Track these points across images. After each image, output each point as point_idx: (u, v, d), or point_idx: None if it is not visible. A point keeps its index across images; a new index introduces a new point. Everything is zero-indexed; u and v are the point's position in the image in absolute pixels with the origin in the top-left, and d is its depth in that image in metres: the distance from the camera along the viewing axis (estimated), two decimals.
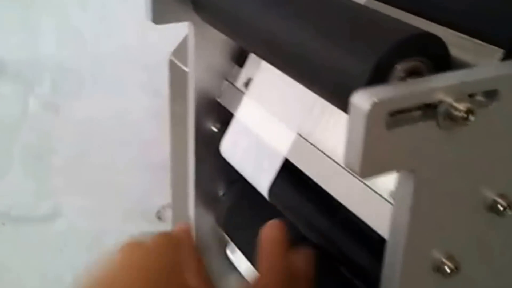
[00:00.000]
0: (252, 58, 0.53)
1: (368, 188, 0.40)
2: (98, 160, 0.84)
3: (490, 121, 0.32)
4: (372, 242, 0.39)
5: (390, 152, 0.30)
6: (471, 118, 0.30)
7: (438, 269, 0.35)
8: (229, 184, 0.58)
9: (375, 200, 0.39)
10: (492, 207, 0.35)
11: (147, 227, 0.71)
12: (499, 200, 0.35)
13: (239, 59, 0.54)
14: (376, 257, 0.39)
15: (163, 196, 0.77)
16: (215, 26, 0.47)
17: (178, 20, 0.50)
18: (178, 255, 0.44)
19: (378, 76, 0.31)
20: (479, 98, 0.32)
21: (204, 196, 0.58)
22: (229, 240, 0.60)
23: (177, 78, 0.59)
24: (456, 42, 0.36)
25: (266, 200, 0.54)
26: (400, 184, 0.33)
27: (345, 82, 0.32)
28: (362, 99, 0.28)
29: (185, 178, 0.63)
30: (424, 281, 0.36)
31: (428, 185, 0.32)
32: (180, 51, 0.59)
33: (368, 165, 0.29)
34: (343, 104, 0.33)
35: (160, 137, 0.84)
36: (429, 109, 0.30)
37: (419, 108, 0.30)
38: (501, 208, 0.35)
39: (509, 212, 0.35)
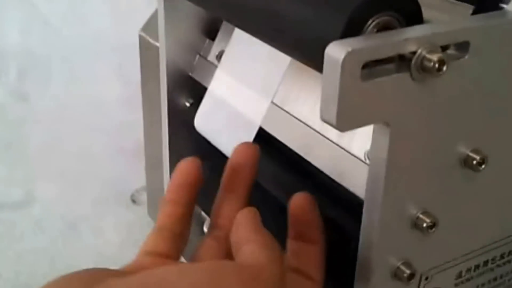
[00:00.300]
0: (224, 30, 0.52)
1: (344, 151, 0.40)
2: (71, 146, 0.83)
3: (462, 74, 0.32)
4: (350, 205, 0.39)
5: (365, 104, 0.30)
6: (443, 68, 0.30)
7: (415, 225, 0.36)
8: (203, 160, 0.57)
9: (352, 162, 0.39)
10: (466, 162, 0.36)
11: (122, 211, 0.70)
12: (473, 155, 0.35)
13: (211, 33, 0.53)
14: (355, 219, 0.39)
15: (137, 180, 0.77)
16: None
17: None
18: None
19: (351, 30, 0.31)
20: (452, 51, 0.32)
21: None
22: (207, 217, 0.59)
23: (147, 54, 0.58)
24: (427, 1, 0.36)
25: None
26: (375, 138, 0.33)
27: (318, 39, 0.32)
28: (336, 50, 0.28)
29: (159, 159, 0.62)
30: (403, 238, 0.36)
31: (403, 138, 0.32)
32: (150, 26, 0.58)
33: (345, 118, 0.29)
34: (317, 62, 0.33)
35: (133, 122, 0.84)
36: (403, 61, 0.30)
37: (392, 60, 0.30)
38: (475, 163, 0.35)
39: (483, 167, 0.35)
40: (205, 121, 0.52)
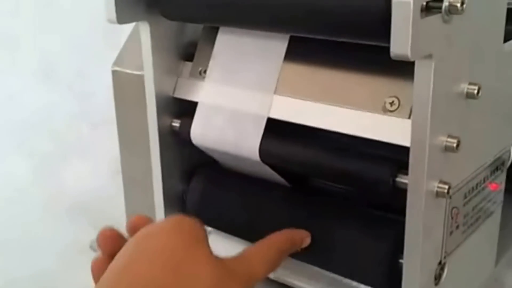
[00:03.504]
0: (200, 50, 0.58)
1: (361, 111, 0.48)
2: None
3: (470, 16, 0.43)
4: (384, 157, 0.47)
5: (422, 37, 0.38)
6: (464, 7, 0.40)
7: (445, 147, 0.45)
8: (190, 176, 0.61)
9: (372, 118, 0.47)
10: (468, 93, 0.46)
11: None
12: (472, 86, 0.46)
13: (187, 56, 0.59)
14: (391, 168, 0.47)
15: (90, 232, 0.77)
16: (182, 16, 0.52)
17: (137, 19, 0.54)
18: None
19: None
20: None
21: (172, 197, 0.61)
22: None
23: (124, 86, 0.62)
24: None
25: (234, 177, 0.59)
26: (420, 76, 0.41)
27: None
28: None
29: (141, 190, 0.65)
30: (439, 161, 0.44)
31: (440, 71, 0.41)
32: (120, 60, 0.62)
33: (414, 49, 0.38)
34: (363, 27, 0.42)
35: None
36: (433, 9, 0.40)
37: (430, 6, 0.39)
38: (475, 93, 0.46)
39: (480, 95, 0.46)
40: (203, 132, 0.56)
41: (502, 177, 0.58)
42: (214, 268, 0.41)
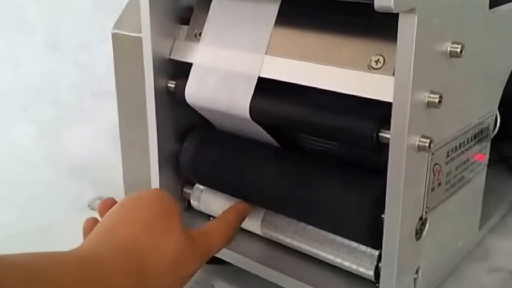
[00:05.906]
0: (196, 14, 0.60)
1: (347, 70, 0.50)
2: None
3: None
4: (369, 113, 0.49)
5: None
6: None
7: (428, 103, 0.46)
8: (184, 136, 0.63)
9: (358, 76, 0.49)
10: (451, 52, 0.48)
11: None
12: (455, 45, 0.47)
13: (184, 20, 0.61)
14: (375, 123, 0.49)
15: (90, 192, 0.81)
16: None
17: None
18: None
19: None
20: None
21: (166, 156, 0.63)
22: (192, 193, 0.65)
23: (122, 47, 0.64)
24: None
25: (226, 137, 0.61)
26: (403, 30, 0.43)
27: None
28: None
29: (138, 151, 0.67)
30: (421, 117, 0.46)
31: (423, 26, 0.43)
32: (120, 23, 0.64)
33: (397, 0, 0.40)
34: None
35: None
36: None
37: None
38: (459, 51, 0.47)
39: (463, 53, 0.48)
40: (197, 91, 0.58)
41: (486, 142, 0.60)
42: (182, 237, 0.48)
